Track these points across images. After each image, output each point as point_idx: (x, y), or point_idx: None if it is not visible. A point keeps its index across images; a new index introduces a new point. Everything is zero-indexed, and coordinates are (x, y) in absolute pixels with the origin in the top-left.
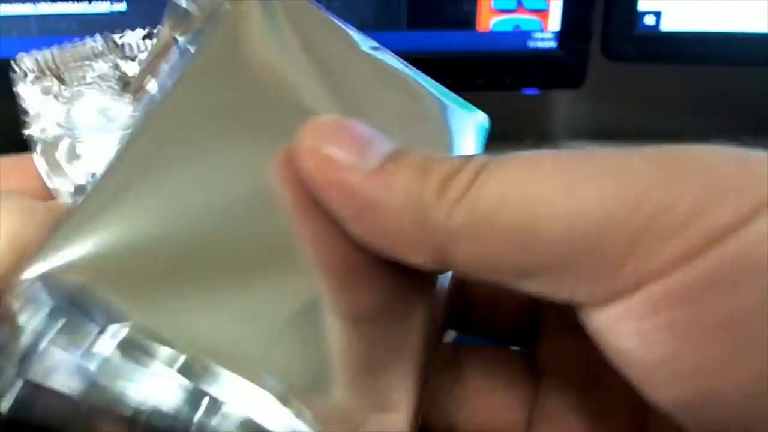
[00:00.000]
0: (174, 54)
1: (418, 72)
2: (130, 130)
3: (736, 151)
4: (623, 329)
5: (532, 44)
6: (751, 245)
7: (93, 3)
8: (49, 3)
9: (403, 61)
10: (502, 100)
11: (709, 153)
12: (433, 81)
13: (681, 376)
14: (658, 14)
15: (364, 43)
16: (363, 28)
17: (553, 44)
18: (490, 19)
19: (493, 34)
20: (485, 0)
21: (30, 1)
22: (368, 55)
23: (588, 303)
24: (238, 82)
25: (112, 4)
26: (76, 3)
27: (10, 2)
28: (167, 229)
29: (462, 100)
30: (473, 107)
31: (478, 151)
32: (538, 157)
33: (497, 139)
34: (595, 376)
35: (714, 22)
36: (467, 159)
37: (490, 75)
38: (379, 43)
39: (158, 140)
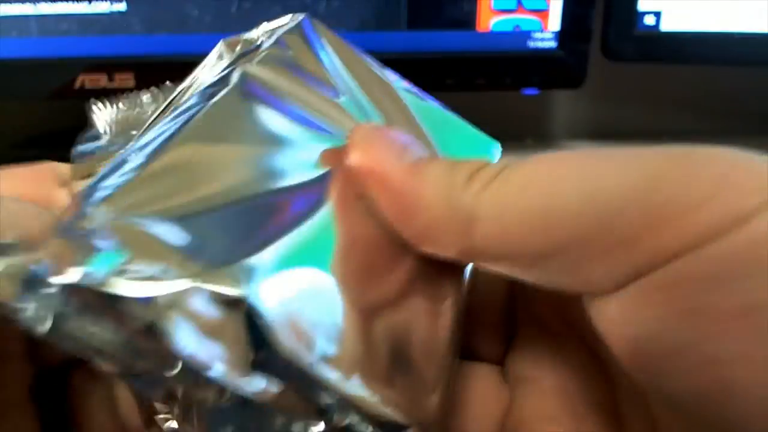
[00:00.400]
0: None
1: (441, 104)
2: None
3: (745, 152)
4: (637, 316)
5: (532, 44)
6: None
7: (93, 3)
8: (49, 3)
9: (426, 94)
10: (502, 100)
11: (721, 150)
12: (458, 117)
13: (697, 366)
14: (658, 14)
15: (395, 80)
16: (363, 28)
17: (553, 44)
18: (490, 19)
19: (493, 34)
20: (485, 0)
21: (30, 1)
22: (394, 86)
23: (602, 288)
24: (294, 87)
25: (112, 4)
26: (76, 3)
27: (10, 2)
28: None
29: (478, 132)
30: (490, 138)
31: None
32: (560, 153)
33: (497, 139)
34: (567, 382)
35: (714, 22)
36: (489, 161)
37: (490, 75)
38: (379, 43)
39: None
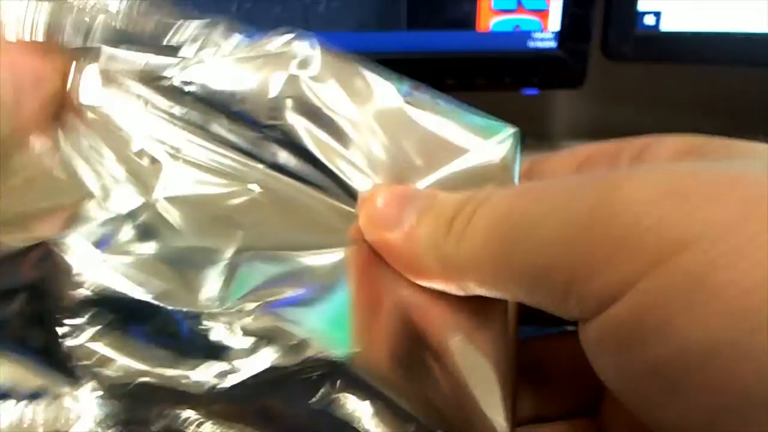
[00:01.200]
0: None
1: (452, 100)
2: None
3: (687, 170)
4: (591, 350)
5: (532, 44)
6: (653, 298)
7: None
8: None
9: (437, 92)
10: (502, 100)
11: (655, 180)
12: (466, 106)
13: (632, 405)
14: (658, 14)
15: (401, 86)
16: (363, 28)
17: (553, 44)
18: (490, 19)
19: (493, 34)
20: (485, 0)
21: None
22: (401, 102)
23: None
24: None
25: None
26: None
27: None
28: None
29: (491, 119)
30: (503, 124)
31: (512, 160)
32: (517, 194)
33: None
34: None
35: (714, 22)
36: (470, 197)
37: (490, 75)
38: (379, 43)
39: None
